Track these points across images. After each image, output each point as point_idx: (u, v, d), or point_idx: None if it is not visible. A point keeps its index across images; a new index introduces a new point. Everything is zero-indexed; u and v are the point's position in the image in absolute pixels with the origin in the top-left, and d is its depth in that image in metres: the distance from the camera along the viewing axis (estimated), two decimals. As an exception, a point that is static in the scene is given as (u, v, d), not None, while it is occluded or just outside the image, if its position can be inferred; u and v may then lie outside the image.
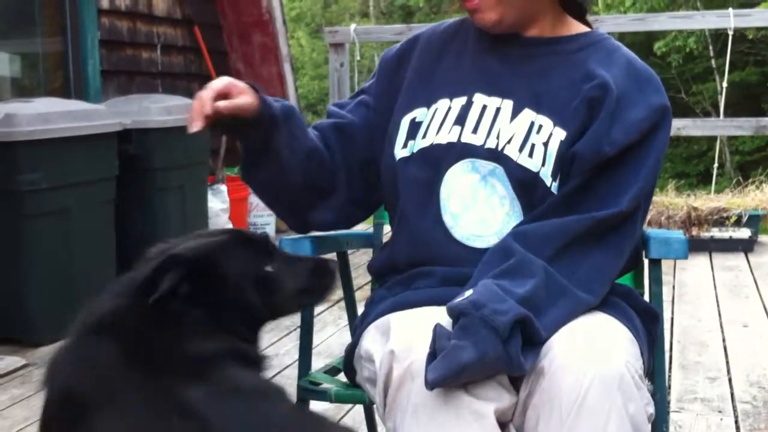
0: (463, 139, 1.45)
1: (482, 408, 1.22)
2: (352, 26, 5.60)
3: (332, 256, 1.78)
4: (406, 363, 1.25)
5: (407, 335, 1.28)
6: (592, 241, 1.37)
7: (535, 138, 1.42)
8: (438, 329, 1.23)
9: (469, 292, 1.27)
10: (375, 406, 1.39)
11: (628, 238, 1.43)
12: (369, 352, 1.35)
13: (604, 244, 1.39)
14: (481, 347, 1.19)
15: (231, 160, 5.54)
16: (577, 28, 1.53)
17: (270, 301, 1.35)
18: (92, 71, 4.47)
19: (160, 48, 5.17)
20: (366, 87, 1.63)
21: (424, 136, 1.48)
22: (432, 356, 1.21)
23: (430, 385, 1.19)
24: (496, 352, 1.20)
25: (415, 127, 1.50)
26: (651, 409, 1.30)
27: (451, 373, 1.18)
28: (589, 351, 1.25)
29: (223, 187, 4.90)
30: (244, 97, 1.39)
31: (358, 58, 5.77)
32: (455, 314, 1.24)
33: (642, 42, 14.55)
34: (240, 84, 1.40)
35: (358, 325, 1.50)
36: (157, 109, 3.91)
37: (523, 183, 1.41)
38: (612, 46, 1.51)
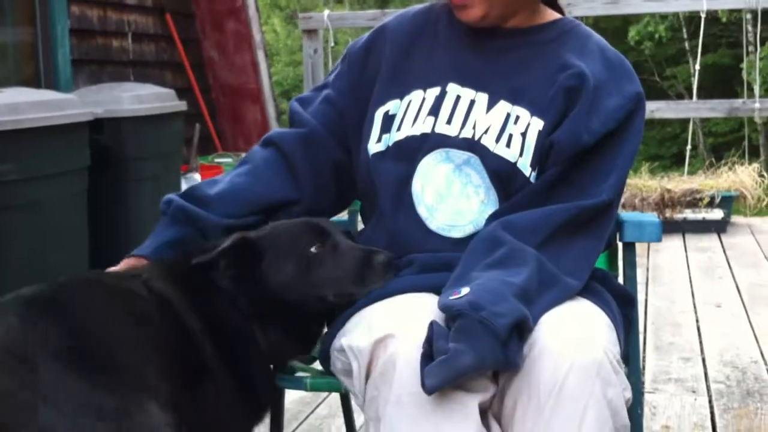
0: (437, 130, 1.44)
1: (465, 397, 1.23)
2: (326, 12, 5.58)
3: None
4: (388, 352, 1.24)
5: (388, 325, 1.28)
6: (577, 229, 1.39)
7: (513, 128, 1.42)
8: (435, 328, 1.22)
9: (465, 290, 1.25)
10: (351, 394, 1.39)
11: (608, 224, 1.45)
12: (346, 343, 1.35)
13: (588, 231, 1.40)
14: (480, 352, 1.18)
15: (204, 148, 5.51)
16: (549, 15, 1.53)
17: (309, 283, 1.42)
18: (62, 60, 4.43)
19: (131, 36, 5.12)
20: (330, 80, 1.60)
21: (398, 129, 1.47)
22: (427, 357, 1.20)
23: (428, 390, 1.18)
24: (494, 355, 1.20)
25: (389, 120, 1.49)
26: (628, 394, 1.31)
27: (449, 378, 1.17)
28: (567, 337, 1.25)
29: (197, 176, 4.87)
30: None
31: (332, 44, 5.75)
32: (452, 314, 1.23)
33: (618, 28, 14.60)
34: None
35: (336, 315, 1.49)
36: (128, 98, 3.86)
37: (500, 173, 1.41)
38: (584, 33, 1.51)
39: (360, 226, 1.71)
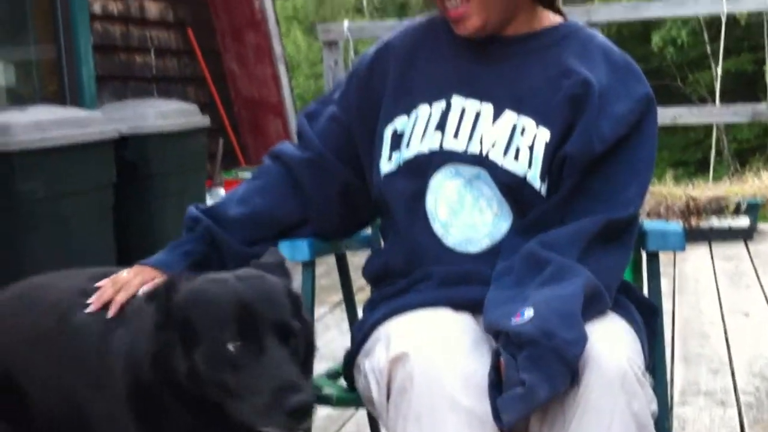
0: (445, 146, 1.44)
1: (485, 412, 1.22)
2: (346, 23, 5.59)
3: (331, 258, 1.79)
4: (405, 370, 1.24)
5: (404, 342, 1.28)
6: (607, 243, 1.38)
7: (520, 140, 1.41)
8: (506, 359, 1.21)
9: (529, 312, 1.24)
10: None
11: (634, 235, 1.45)
12: (368, 366, 1.35)
13: (618, 245, 1.40)
14: (555, 383, 1.19)
15: (228, 163, 5.53)
16: (550, 20, 1.51)
17: (210, 381, 1.20)
18: (86, 77, 4.46)
19: (153, 51, 5.16)
20: (335, 98, 1.59)
21: (407, 146, 1.47)
22: (494, 386, 1.21)
23: (507, 424, 1.19)
24: (566, 383, 1.20)
25: (397, 138, 1.49)
26: (654, 406, 1.31)
27: (527, 411, 1.19)
28: (590, 348, 1.24)
29: (222, 191, 4.89)
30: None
31: (353, 55, 5.76)
32: (522, 341, 1.21)
33: (640, 33, 14.52)
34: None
35: (357, 330, 1.50)
36: (153, 114, 3.90)
37: (511, 187, 1.41)
38: (586, 36, 1.49)
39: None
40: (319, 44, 6.18)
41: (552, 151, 1.40)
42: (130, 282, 1.42)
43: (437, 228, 1.44)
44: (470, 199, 1.43)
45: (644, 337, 1.41)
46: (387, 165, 1.49)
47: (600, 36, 1.51)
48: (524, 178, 1.40)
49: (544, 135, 1.40)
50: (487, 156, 1.41)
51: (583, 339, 1.23)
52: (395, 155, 1.48)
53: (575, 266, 1.32)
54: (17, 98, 4.33)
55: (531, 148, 1.40)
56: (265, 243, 1.51)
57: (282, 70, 5.95)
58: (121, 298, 1.40)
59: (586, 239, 1.36)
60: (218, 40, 5.93)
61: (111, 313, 1.38)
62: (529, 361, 1.19)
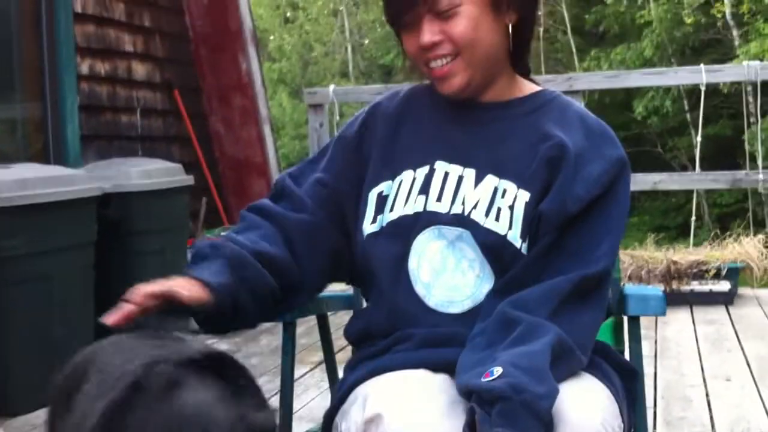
0: (429, 208, 1.44)
1: None
2: (331, 87, 5.66)
3: (311, 318, 1.79)
4: (380, 430, 1.23)
5: (379, 403, 1.27)
6: (581, 300, 1.38)
7: (500, 202, 1.43)
8: (479, 415, 1.20)
9: (498, 370, 1.24)
10: None
11: (606, 294, 1.45)
12: (345, 426, 1.34)
13: (591, 302, 1.40)
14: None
15: (211, 221, 5.54)
16: (528, 88, 1.54)
17: None
18: (71, 136, 4.49)
19: (139, 112, 5.20)
20: (323, 164, 1.57)
21: (391, 209, 1.47)
22: None
23: None
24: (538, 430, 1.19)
25: (382, 200, 1.49)
26: None
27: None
28: (565, 409, 1.24)
29: (204, 249, 4.88)
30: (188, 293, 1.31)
31: (338, 118, 5.82)
32: (492, 397, 1.21)
33: (621, 101, 14.79)
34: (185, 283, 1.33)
35: (336, 391, 1.49)
36: (136, 173, 3.92)
37: (492, 246, 1.42)
38: (563, 103, 1.52)
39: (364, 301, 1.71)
40: (304, 106, 6.24)
41: (531, 211, 1.42)
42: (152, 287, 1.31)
43: (419, 289, 1.45)
44: (453, 261, 1.43)
45: (623, 401, 1.40)
46: (371, 227, 1.49)
47: (576, 103, 1.54)
48: (505, 237, 1.41)
49: (524, 196, 1.42)
50: (469, 215, 1.43)
51: (553, 392, 1.23)
52: (379, 218, 1.48)
53: (544, 325, 1.32)
54: (2, 156, 4.34)
55: (511, 208, 1.42)
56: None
57: (267, 131, 6.01)
58: (132, 308, 1.29)
59: (558, 298, 1.36)
60: (204, 102, 5.99)
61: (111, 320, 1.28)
62: (501, 416, 1.19)
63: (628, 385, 1.46)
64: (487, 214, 1.42)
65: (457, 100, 1.49)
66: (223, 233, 5.32)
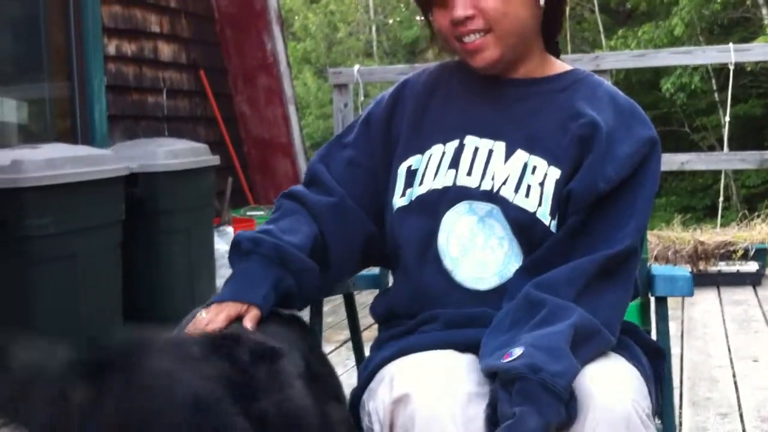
0: (459, 182, 1.45)
1: None
2: (356, 67, 5.65)
3: (337, 297, 1.79)
4: (407, 411, 1.24)
5: (407, 383, 1.28)
6: (607, 280, 1.38)
7: (530, 179, 1.43)
8: (500, 394, 1.22)
9: (518, 351, 1.25)
10: None
11: (634, 271, 1.44)
12: (372, 406, 1.34)
13: (616, 281, 1.39)
14: (545, 415, 1.18)
15: (237, 201, 5.56)
16: (559, 66, 1.55)
17: None
18: (99, 116, 4.52)
19: (165, 92, 5.22)
20: (351, 140, 1.57)
21: (420, 183, 1.47)
22: (491, 421, 1.21)
23: None
24: (559, 416, 1.20)
25: (411, 174, 1.49)
26: None
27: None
28: (596, 390, 1.24)
29: (230, 229, 4.91)
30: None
31: (362, 98, 5.81)
32: (510, 377, 1.22)
33: (649, 80, 14.63)
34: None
35: (363, 370, 1.49)
36: (163, 153, 3.93)
37: (521, 223, 1.42)
38: (594, 82, 1.52)
39: (390, 278, 1.71)
40: (329, 86, 6.24)
41: (562, 188, 1.41)
42: (215, 319, 1.34)
43: (447, 264, 1.45)
44: (482, 238, 1.43)
45: (651, 381, 1.40)
46: (400, 200, 1.49)
47: (607, 83, 1.54)
48: (534, 214, 1.41)
49: (554, 174, 1.42)
50: (498, 192, 1.43)
51: (570, 369, 1.23)
52: (408, 191, 1.49)
53: (569, 307, 1.32)
54: (30, 136, 4.38)
55: (542, 185, 1.42)
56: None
57: (292, 111, 6.01)
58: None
59: (584, 279, 1.36)
60: (230, 82, 6.00)
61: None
62: (520, 395, 1.20)
63: (654, 364, 1.46)
64: (516, 191, 1.42)
65: (488, 76, 1.49)
66: (248, 212, 5.36)
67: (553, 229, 1.41)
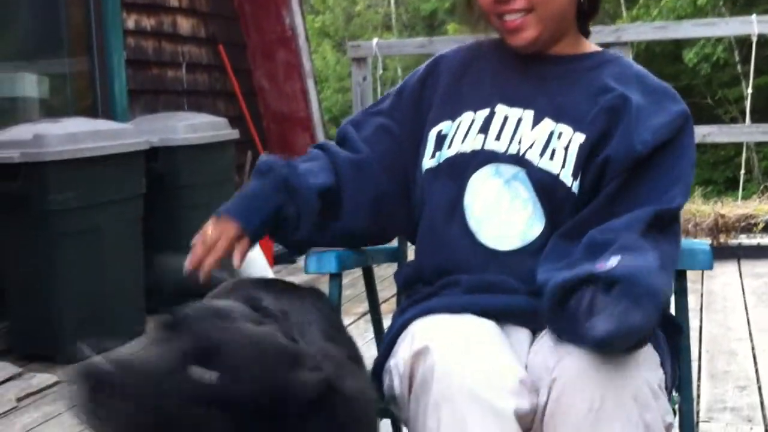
0: (487, 146, 1.49)
1: (504, 406, 1.24)
2: (375, 40, 5.63)
3: (356, 270, 1.81)
4: (428, 363, 1.27)
5: (427, 337, 1.31)
6: (658, 235, 1.40)
7: (556, 143, 1.47)
8: (600, 295, 1.22)
9: (614, 261, 1.26)
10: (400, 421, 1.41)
11: (679, 235, 1.46)
12: (393, 362, 1.37)
13: (668, 234, 1.42)
14: (647, 314, 1.19)
15: (256, 175, 5.56)
16: (590, 47, 1.60)
17: None
18: (119, 90, 4.53)
19: (185, 67, 5.22)
20: (384, 108, 1.65)
21: (449, 146, 1.52)
22: (568, 315, 1.24)
23: (599, 341, 1.19)
24: (655, 321, 1.22)
25: (441, 139, 1.54)
26: (669, 419, 1.32)
27: (620, 332, 1.18)
28: (606, 360, 1.25)
29: (249, 203, 4.92)
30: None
31: (381, 71, 5.79)
32: (614, 280, 1.22)
33: (671, 51, 14.48)
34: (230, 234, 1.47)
35: (385, 336, 1.52)
36: (183, 127, 3.95)
37: (545, 185, 1.45)
38: (625, 64, 1.57)
39: (410, 254, 1.73)
40: (347, 59, 6.22)
41: (586, 152, 1.44)
42: (217, 245, 1.46)
43: (472, 224, 1.48)
44: (507, 199, 1.47)
45: (665, 354, 1.41)
46: (429, 161, 1.55)
47: (637, 66, 1.58)
48: (557, 176, 1.45)
49: (579, 138, 1.46)
50: (524, 155, 1.47)
51: (668, 287, 1.28)
52: (437, 153, 1.54)
53: (642, 241, 1.33)
54: (51, 111, 4.41)
55: (566, 149, 1.46)
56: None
57: (311, 85, 6.00)
58: (210, 261, 1.45)
59: (643, 225, 1.37)
60: (249, 57, 5.99)
61: (202, 279, 1.44)
62: (622, 295, 1.20)
63: (671, 338, 1.47)
64: (541, 155, 1.46)
65: (524, 54, 1.54)
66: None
67: (574, 190, 1.44)
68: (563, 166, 1.45)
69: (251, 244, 1.50)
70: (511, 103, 1.52)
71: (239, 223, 1.47)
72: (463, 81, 1.58)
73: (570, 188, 1.44)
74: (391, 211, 1.61)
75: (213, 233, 1.47)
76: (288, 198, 1.50)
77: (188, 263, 1.46)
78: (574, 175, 1.44)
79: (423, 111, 1.60)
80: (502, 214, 1.47)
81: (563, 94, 1.51)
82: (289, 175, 1.51)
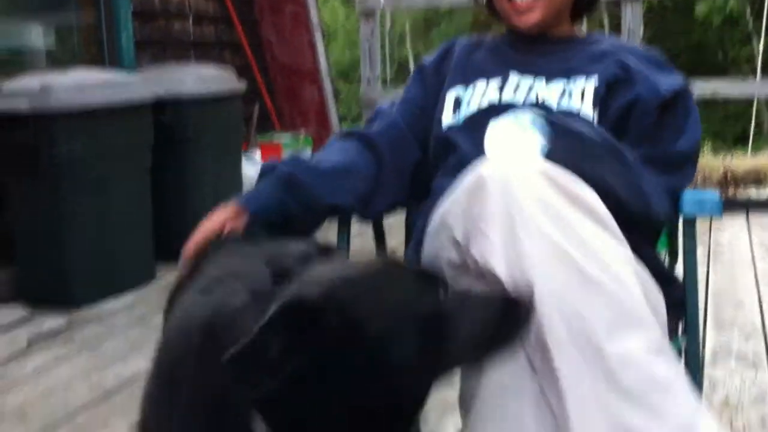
0: (504, 99, 1.60)
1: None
2: (383, -8, 5.58)
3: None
4: (477, 174, 1.27)
5: (481, 170, 1.28)
6: (661, 169, 1.52)
7: (572, 88, 1.59)
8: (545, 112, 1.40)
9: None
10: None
11: (688, 176, 1.58)
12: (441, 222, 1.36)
13: (671, 172, 1.53)
14: (581, 128, 1.40)
15: (263, 126, 5.57)
16: (581, 32, 1.76)
17: (436, 353, 1.00)
18: (125, 42, 4.51)
19: (192, 18, 5.19)
20: (407, 87, 1.76)
21: (468, 105, 1.62)
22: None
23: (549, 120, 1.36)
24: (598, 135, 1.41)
25: (458, 102, 1.64)
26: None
27: (567, 129, 1.37)
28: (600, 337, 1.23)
29: (258, 154, 4.93)
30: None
31: (388, 26, 5.74)
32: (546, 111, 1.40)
33: (683, 5, 14.32)
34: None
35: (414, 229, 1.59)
36: (190, 79, 3.94)
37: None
38: (619, 42, 1.72)
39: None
40: (356, 15, 6.17)
41: (603, 90, 1.56)
42: (213, 218, 1.48)
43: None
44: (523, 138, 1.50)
45: (659, 306, 1.41)
46: (449, 118, 1.63)
47: (630, 43, 1.76)
48: (578, 111, 1.55)
49: (592, 82, 1.58)
50: (543, 102, 1.57)
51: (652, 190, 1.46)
52: (456, 113, 1.63)
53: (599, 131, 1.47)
54: (58, 62, 4.39)
55: (582, 91, 1.57)
56: (346, 195, 1.56)
57: (318, 37, 5.96)
58: (202, 233, 1.45)
59: (643, 158, 1.50)
60: (255, 8, 5.95)
61: (190, 251, 1.41)
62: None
63: (666, 291, 1.44)
64: (560, 100, 1.57)
65: (527, 36, 1.66)
66: (275, 138, 5.37)
67: (595, 119, 1.54)
68: (582, 102, 1.55)
69: (250, 220, 1.50)
70: (523, 72, 1.63)
71: (238, 204, 1.50)
72: (475, 55, 1.70)
73: (593, 119, 1.54)
74: (425, 179, 1.67)
75: (211, 216, 1.49)
76: (289, 196, 1.51)
77: (184, 249, 1.43)
78: (594, 106, 1.55)
79: (441, 80, 1.71)
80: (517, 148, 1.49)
81: (569, 60, 1.63)
82: (291, 175, 1.52)
